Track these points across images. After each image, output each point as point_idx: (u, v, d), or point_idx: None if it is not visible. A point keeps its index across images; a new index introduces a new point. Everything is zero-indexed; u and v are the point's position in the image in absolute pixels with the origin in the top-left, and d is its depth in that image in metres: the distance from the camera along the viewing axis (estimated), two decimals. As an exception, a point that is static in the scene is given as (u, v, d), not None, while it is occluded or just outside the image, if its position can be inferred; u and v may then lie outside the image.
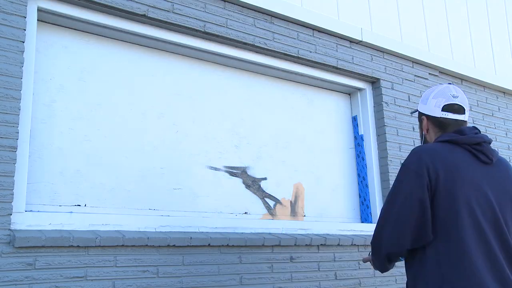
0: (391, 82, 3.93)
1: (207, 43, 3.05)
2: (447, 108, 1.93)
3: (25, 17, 2.37)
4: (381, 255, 1.87)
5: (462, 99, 1.96)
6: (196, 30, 2.95)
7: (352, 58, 3.71)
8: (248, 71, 3.37)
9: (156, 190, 2.80)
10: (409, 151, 3.97)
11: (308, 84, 3.68)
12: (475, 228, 1.73)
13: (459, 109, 1.94)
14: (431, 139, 2.00)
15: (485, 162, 1.85)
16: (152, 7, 2.78)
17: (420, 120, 2.04)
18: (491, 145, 1.91)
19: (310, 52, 3.47)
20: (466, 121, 1.98)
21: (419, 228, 1.76)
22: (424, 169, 1.77)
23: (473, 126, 1.95)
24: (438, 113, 1.94)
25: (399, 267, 3.57)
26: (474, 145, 1.85)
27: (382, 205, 3.68)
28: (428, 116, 1.99)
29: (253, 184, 3.22)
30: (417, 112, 2.09)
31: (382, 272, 2.00)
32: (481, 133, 1.92)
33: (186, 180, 2.93)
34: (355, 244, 3.32)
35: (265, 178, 3.28)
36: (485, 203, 1.77)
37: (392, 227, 1.80)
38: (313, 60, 3.48)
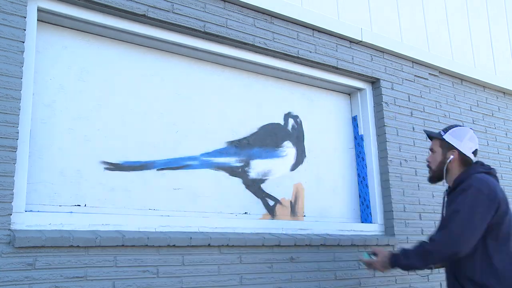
0: (391, 82, 3.93)
1: (207, 43, 3.05)
2: (474, 152, 2.57)
3: (25, 17, 2.37)
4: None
5: None
6: (196, 30, 2.95)
7: (352, 58, 3.71)
8: (248, 71, 3.37)
9: (156, 190, 2.80)
10: (409, 151, 3.99)
11: (308, 84, 3.68)
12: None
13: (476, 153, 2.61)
14: (453, 168, 2.57)
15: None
16: (152, 7, 2.78)
17: (447, 150, 2.58)
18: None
19: (310, 52, 3.47)
20: None
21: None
22: (494, 195, 2.36)
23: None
24: (469, 154, 2.55)
25: (399, 267, 3.57)
26: (496, 175, 2.53)
27: (380, 205, 3.69)
28: (460, 152, 2.55)
29: (253, 184, 3.22)
30: (440, 139, 2.62)
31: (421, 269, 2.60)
32: None
33: (186, 180, 2.93)
34: (355, 244, 3.32)
35: (265, 178, 3.28)
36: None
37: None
38: (313, 60, 3.48)
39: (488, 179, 2.43)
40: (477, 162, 2.58)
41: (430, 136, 2.70)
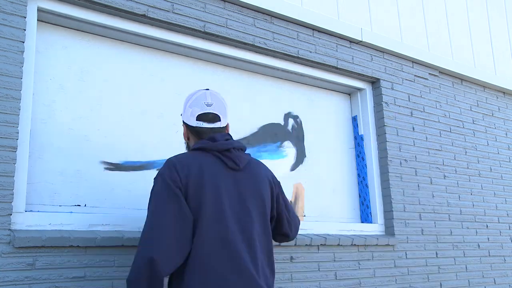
0: (391, 82, 3.93)
1: (207, 43, 3.05)
2: (200, 117, 2.03)
3: (25, 17, 2.37)
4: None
5: (217, 107, 2.05)
6: (196, 30, 2.95)
7: (352, 58, 3.71)
8: (248, 71, 3.37)
9: (156, 190, 2.80)
10: (409, 151, 3.99)
11: (308, 84, 3.68)
12: (219, 227, 1.86)
13: (214, 118, 2.04)
14: (192, 145, 2.10)
15: (232, 168, 1.97)
16: (152, 7, 2.78)
17: (183, 127, 2.14)
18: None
19: (310, 52, 3.47)
20: (223, 127, 2.08)
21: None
22: (176, 178, 1.86)
23: (226, 133, 2.07)
24: (194, 123, 2.03)
25: (400, 267, 3.58)
26: (224, 151, 1.97)
27: (380, 205, 3.69)
28: (186, 125, 2.09)
29: (253, 184, 3.22)
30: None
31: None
32: (233, 140, 2.04)
33: (186, 180, 2.93)
34: (355, 244, 3.32)
35: (265, 178, 3.28)
36: (231, 203, 1.90)
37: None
38: (313, 60, 3.48)
39: (184, 157, 1.95)
40: (210, 136, 2.01)
41: None
